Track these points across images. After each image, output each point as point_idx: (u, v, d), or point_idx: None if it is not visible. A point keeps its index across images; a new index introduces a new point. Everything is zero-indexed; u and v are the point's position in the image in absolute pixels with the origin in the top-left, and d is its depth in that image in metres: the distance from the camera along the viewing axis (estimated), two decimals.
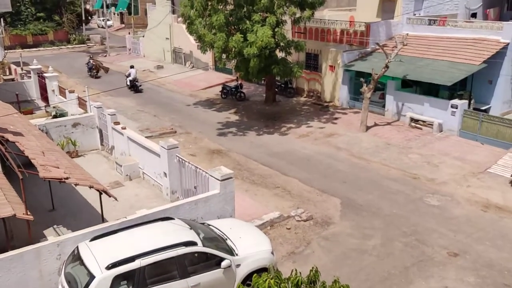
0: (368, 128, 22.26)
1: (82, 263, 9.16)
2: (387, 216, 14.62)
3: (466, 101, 21.48)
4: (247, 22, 22.41)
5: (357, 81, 24.70)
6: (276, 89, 28.34)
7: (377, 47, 24.10)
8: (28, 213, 10.31)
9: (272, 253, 11.01)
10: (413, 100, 22.81)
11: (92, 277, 8.74)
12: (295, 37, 27.72)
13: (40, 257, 9.96)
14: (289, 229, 13.88)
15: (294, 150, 20.42)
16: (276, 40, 22.53)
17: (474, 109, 21.48)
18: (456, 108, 20.84)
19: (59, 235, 11.84)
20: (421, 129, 22.03)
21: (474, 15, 29.70)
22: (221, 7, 23.25)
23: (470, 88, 22.87)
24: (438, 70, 22.13)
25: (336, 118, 24.39)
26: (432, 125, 21.65)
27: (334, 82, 26.53)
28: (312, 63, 28.49)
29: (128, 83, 31.79)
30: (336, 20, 27.21)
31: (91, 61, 37.48)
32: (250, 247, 10.79)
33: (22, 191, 10.68)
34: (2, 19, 37.04)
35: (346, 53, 25.74)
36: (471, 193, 16.02)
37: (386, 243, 13.11)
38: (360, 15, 28.83)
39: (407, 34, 23.95)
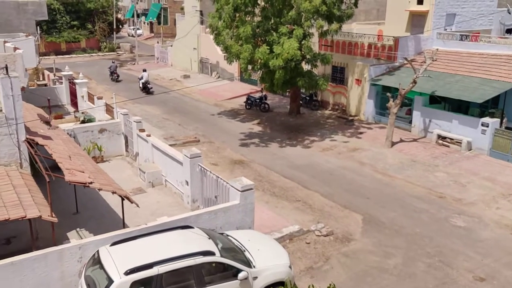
0: (393, 144, 21.96)
1: (101, 267, 9.28)
2: (410, 235, 14.31)
3: (498, 120, 20.93)
4: (274, 34, 22.54)
5: (383, 95, 24.46)
6: (301, 102, 28.31)
7: (405, 62, 23.86)
8: (53, 215, 10.52)
9: (290, 267, 10.91)
10: (441, 116, 22.41)
11: (110, 281, 8.84)
12: (322, 49, 27.71)
13: (62, 259, 10.14)
14: (308, 243, 13.73)
15: (317, 163, 20.28)
16: (303, 52, 22.55)
17: (506, 128, 20.90)
18: (487, 126, 20.34)
19: (81, 238, 12.04)
20: (448, 146, 21.60)
21: (509, 31, 29.13)
22: (249, 18, 23.49)
23: (502, 106, 22.32)
24: (469, 86, 21.71)
25: (361, 133, 24.16)
26: (460, 143, 21.19)
27: (360, 96, 26.34)
28: (338, 76, 28.40)
29: (141, 85, 34.20)
30: (364, 34, 27.13)
31: (113, 65, 39.53)
32: (267, 260, 10.73)
33: (48, 194, 10.91)
34: (38, 27, 38.25)
35: (373, 67, 25.57)
36: (501, 215, 15.52)
37: (408, 263, 12.82)
38: (388, 29, 28.66)
39: (437, 49, 23.63)
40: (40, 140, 13.21)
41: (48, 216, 10.37)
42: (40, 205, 10.68)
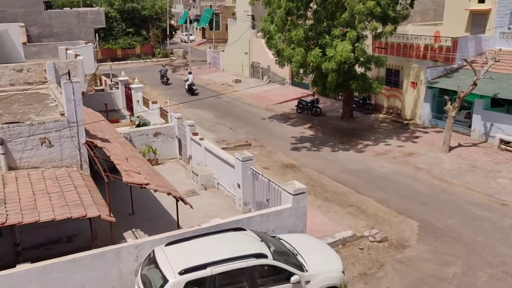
0: (451, 148, 21.09)
1: (157, 266, 9.48)
2: (470, 243, 13.66)
3: None
4: (327, 37, 22.30)
5: (440, 98, 23.60)
6: (354, 105, 27.82)
7: (465, 63, 22.91)
8: (111, 215, 10.87)
9: (343, 272, 10.75)
10: (504, 120, 21.28)
11: (165, 280, 9.01)
12: (376, 52, 27.14)
13: (120, 257, 10.48)
14: (362, 249, 13.45)
15: (370, 168, 19.83)
16: (356, 55, 22.20)
17: None
18: None
19: (137, 238, 12.37)
20: None
21: None
22: (301, 22, 23.40)
23: None
24: None
25: (416, 137, 23.41)
26: None
27: (416, 99, 25.53)
28: (393, 79, 27.70)
29: (186, 87, 36.41)
30: (420, 35, 26.29)
31: (164, 68, 42.00)
32: (320, 264, 10.61)
33: (107, 194, 11.30)
34: (96, 35, 39.99)
35: (429, 69, 24.73)
36: None
37: (468, 272, 12.24)
38: (446, 29, 27.63)
39: (500, 49, 22.48)
40: (99, 143, 13.69)
41: (107, 215, 10.73)
42: (99, 205, 11.07)
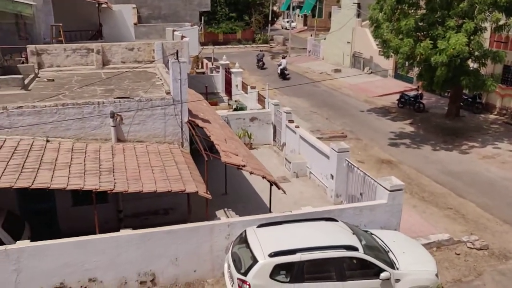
0: None
1: (248, 246, 9.69)
2: None
3: None
4: (439, 28, 20.94)
5: None
6: (461, 103, 25.96)
7: None
8: (208, 192, 11.26)
9: (436, 275, 10.29)
10: None
11: (255, 261, 9.20)
12: (493, 46, 24.88)
13: (212, 234, 10.86)
14: (458, 254, 12.69)
15: (474, 171, 18.47)
16: (471, 48, 20.57)
17: None
18: None
19: (228, 217, 12.72)
20: None
21: None
22: (412, 11, 22.20)
23: None
24: None
25: None
26: None
27: None
28: (511, 77, 25.34)
29: (279, 71, 37.30)
30: None
31: (261, 53, 43.27)
32: (413, 264, 10.25)
33: (205, 172, 11.67)
34: (202, 18, 41.27)
35: None
36: None
37: None
38: None
39: None
40: (200, 123, 14.20)
41: (204, 192, 11.13)
42: (197, 182, 11.54)
